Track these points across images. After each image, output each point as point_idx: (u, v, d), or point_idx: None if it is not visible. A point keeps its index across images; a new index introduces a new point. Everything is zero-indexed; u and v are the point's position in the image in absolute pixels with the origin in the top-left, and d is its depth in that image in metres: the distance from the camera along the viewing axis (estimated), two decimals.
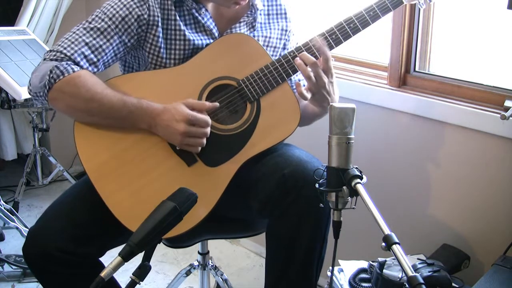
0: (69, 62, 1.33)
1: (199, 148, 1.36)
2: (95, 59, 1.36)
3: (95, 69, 1.37)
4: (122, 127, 1.36)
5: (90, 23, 1.38)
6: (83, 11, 3.19)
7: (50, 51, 1.37)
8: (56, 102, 1.33)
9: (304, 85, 1.42)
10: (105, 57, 1.38)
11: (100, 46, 1.36)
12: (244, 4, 1.44)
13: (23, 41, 2.62)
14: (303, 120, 1.46)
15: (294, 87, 1.53)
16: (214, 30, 1.47)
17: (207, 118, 1.35)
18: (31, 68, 2.48)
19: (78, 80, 1.31)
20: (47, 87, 1.31)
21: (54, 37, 2.99)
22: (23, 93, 2.37)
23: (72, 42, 1.35)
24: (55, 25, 2.97)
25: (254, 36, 1.50)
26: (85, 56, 1.35)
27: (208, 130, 1.35)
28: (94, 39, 1.36)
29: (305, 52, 1.39)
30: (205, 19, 1.45)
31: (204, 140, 1.35)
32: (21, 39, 2.62)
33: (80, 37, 1.36)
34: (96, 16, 1.39)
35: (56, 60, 1.34)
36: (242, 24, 1.49)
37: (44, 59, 1.36)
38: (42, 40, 2.80)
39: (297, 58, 1.38)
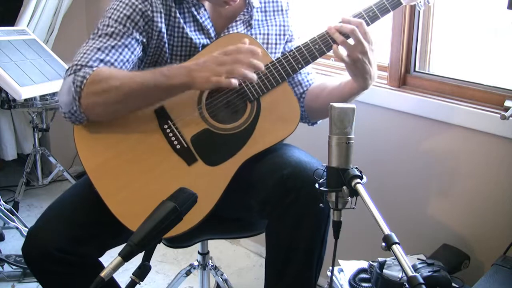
0: (86, 68, 1.31)
1: (246, 72, 1.26)
2: (112, 60, 1.35)
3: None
4: (123, 123, 1.36)
5: (97, 33, 1.38)
6: (83, 11, 3.18)
7: (67, 69, 1.35)
8: (91, 108, 1.31)
9: (311, 79, 1.47)
10: (121, 56, 1.36)
11: (113, 46, 1.35)
12: (235, 4, 1.44)
13: (23, 41, 2.62)
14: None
15: (307, 80, 1.56)
16: (211, 30, 1.47)
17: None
18: (31, 68, 2.48)
19: (102, 76, 1.29)
20: (77, 97, 1.29)
21: (54, 37, 2.99)
22: (23, 93, 2.37)
23: (85, 53, 1.34)
24: (55, 25, 2.97)
25: (251, 34, 1.50)
26: (101, 60, 1.34)
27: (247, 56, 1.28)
28: (105, 42, 1.35)
29: (342, 24, 1.37)
30: (203, 18, 1.45)
31: (247, 69, 1.27)
32: (21, 39, 2.62)
33: (91, 46, 1.35)
34: (102, 24, 1.38)
35: (74, 70, 1.32)
36: (238, 22, 1.49)
37: (64, 79, 1.35)
38: (42, 40, 2.79)
39: (332, 29, 1.38)
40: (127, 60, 1.38)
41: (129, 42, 1.37)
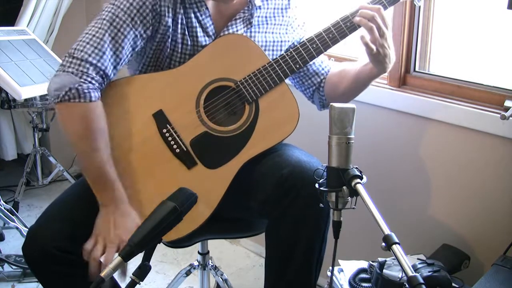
0: (90, 86, 1.29)
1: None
2: (118, 60, 1.35)
3: (117, 70, 1.36)
4: (122, 128, 1.36)
5: (104, 19, 1.33)
6: (83, 11, 3.18)
7: (74, 57, 1.30)
8: (58, 114, 1.33)
9: (328, 70, 1.52)
10: (124, 55, 1.36)
11: (120, 44, 1.34)
12: (238, 0, 1.44)
13: (23, 41, 2.62)
14: (353, 91, 1.53)
15: (322, 68, 1.59)
16: (209, 29, 1.46)
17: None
18: (31, 68, 2.48)
19: (86, 116, 1.29)
20: (57, 100, 1.29)
21: (54, 37, 2.99)
22: (23, 93, 2.37)
23: (96, 47, 1.31)
24: (55, 25, 2.96)
25: (251, 32, 1.49)
26: (109, 60, 1.33)
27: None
28: (113, 38, 1.33)
29: (362, 10, 1.39)
30: (203, 16, 1.45)
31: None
32: (21, 39, 2.62)
33: (101, 39, 1.31)
34: (109, 12, 1.34)
35: (81, 73, 1.29)
36: (238, 21, 1.49)
37: (69, 67, 1.30)
38: (42, 40, 2.79)
39: (357, 16, 1.39)
40: (127, 56, 1.38)
41: (133, 39, 1.36)
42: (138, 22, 1.35)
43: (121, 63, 1.37)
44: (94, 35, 1.32)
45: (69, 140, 1.33)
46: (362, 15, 1.39)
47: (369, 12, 1.38)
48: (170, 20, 1.39)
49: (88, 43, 1.31)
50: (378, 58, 1.41)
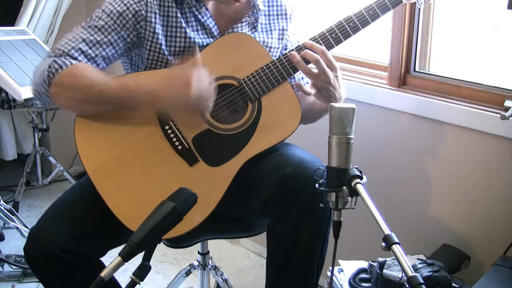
0: (67, 57, 1.34)
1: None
2: (93, 54, 1.37)
3: (94, 65, 1.37)
4: (123, 124, 1.36)
5: (88, 22, 1.40)
6: (83, 11, 3.19)
7: (50, 51, 1.38)
8: (57, 97, 1.34)
9: (307, 82, 1.46)
10: (103, 52, 1.38)
11: (98, 41, 1.37)
12: (243, 1, 1.44)
13: (23, 41, 2.62)
14: (311, 118, 1.50)
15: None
16: (214, 29, 1.47)
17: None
18: (31, 68, 2.48)
19: (77, 70, 1.32)
20: (47, 82, 1.31)
21: (54, 37, 2.99)
22: (23, 93, 2.37)
23: (70, 40, 1.37)
24: (55, 25, 2.97)
25: (255, 37, 1.50)
26: (83, 52, 1.36)
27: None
28: (92, 35, 1.37)
29: (307, 50, 1.39)
30: (205, 18, 1.45)
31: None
32: (21, 39, 2.62)
33: (78, 34, 1.38)
34: (94, 15, 1.41)
35: (53, 54, 1.35)
36: (244, 24, 1.49)
37: (44, 59, 1.37)
38: (42, 40, 2.79)
39: (297, 57, 1.39)
40: (108, 57, 1.40)
41: (115, 40, 1.39)
42: (121, 25, 1.38)
43: (100, 60, 1.38)
44: (73, 32, 1.39)
45: (76, 108, 1.35)
46: (305, 56, 1.39)
47: (313, 56, 1.38)
48: (158, 27, 1.40)
49: (65, 37, 1.39)
50: (320, 98, 1.44)
